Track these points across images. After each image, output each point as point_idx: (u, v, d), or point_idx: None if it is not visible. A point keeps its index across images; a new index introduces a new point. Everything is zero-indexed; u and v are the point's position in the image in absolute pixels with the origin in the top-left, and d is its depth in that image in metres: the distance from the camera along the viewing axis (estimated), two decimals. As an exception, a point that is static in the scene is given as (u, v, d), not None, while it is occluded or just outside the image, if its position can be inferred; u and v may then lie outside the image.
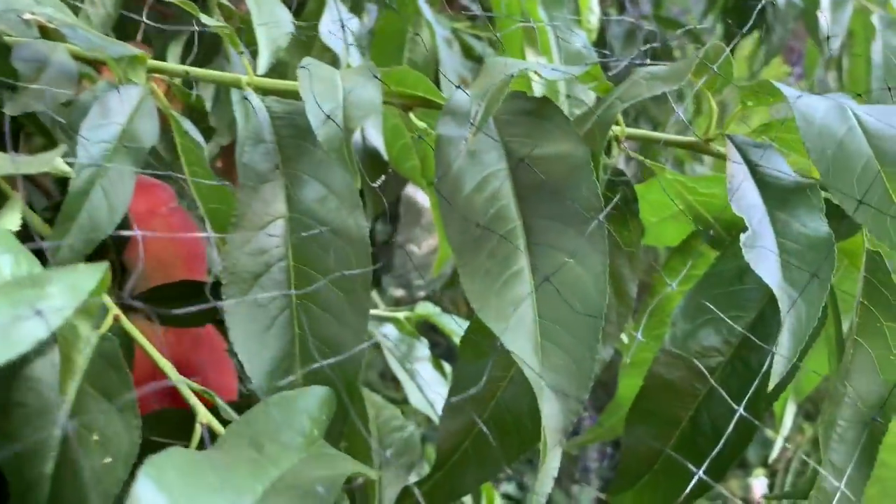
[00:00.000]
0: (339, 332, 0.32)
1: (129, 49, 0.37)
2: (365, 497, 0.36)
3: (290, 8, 0.57)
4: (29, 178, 0.44)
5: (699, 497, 0.32)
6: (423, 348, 0.57)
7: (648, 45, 0.63)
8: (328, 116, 0.29)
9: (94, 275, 0.20)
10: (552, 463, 0.24)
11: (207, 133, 0.50)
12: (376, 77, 0.32)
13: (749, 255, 0.25)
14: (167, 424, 0.34)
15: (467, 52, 0.88)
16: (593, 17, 0.59)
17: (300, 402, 0.27)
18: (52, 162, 0.28)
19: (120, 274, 0.43)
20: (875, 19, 0.93)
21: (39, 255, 0.32)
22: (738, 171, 0.28)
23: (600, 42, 1.03)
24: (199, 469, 0.20)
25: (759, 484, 1.38)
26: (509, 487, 1.35)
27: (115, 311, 0.32)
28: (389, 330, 0.56)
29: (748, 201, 0.27)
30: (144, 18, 0.44)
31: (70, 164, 0.33)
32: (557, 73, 0.29)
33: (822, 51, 1.00)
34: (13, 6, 0.33)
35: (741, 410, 0.26)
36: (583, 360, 0.24)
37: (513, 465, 0.34)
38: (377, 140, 0.51)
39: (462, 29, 0.79)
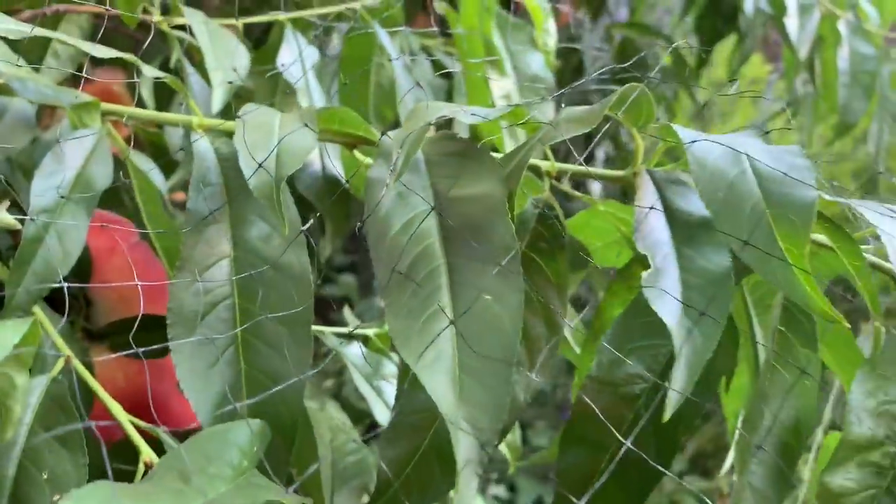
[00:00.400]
0: (282, 365, 0.34)
1: (80, 96, 0.38)
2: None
3: (254, 41, 0.59)
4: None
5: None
6: (389, 365, 0.59)
7: (599, 73, 0.64)
8: (260, 165, 0.31)
9: (18, 329, 0.21)
10: (467, 493, 0.25)
11: (171, 167, 0.51)
12: (310, 125, 0.33)
13: (648, 293, 0.27)
14: (122, 458, 0.35)
15: (439, 67, 0.90)
16: (550, 38, 0.61)
17: (231, 434, 0.28)
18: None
19: (85, 307, 0.45)
20: (841, 25, 0.94)
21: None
22: (647, 205, 0.30)
23: (572, 53, 1.05)
24: (120, 500, 0.21)
25: None
26: (499, 490, 1.37)
27: (66, 353, 0.33)
28: (356, 349, 0.57)
29: (655, 238, 0.29)
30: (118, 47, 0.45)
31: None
32: (477, 118, 0.31)
33: (795, 55, 1.02)
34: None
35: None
36: (498, 394, 0.26)
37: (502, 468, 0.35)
38: (337, 168, 0.52)
39: (434, 46, 0.80)
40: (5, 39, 0.35)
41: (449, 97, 0.72)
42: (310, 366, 0.34)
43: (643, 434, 0.32)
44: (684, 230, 0.29)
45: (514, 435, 0.59)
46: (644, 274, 0.27)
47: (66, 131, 0.38)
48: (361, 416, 0.64)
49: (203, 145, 0.37)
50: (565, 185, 0.37)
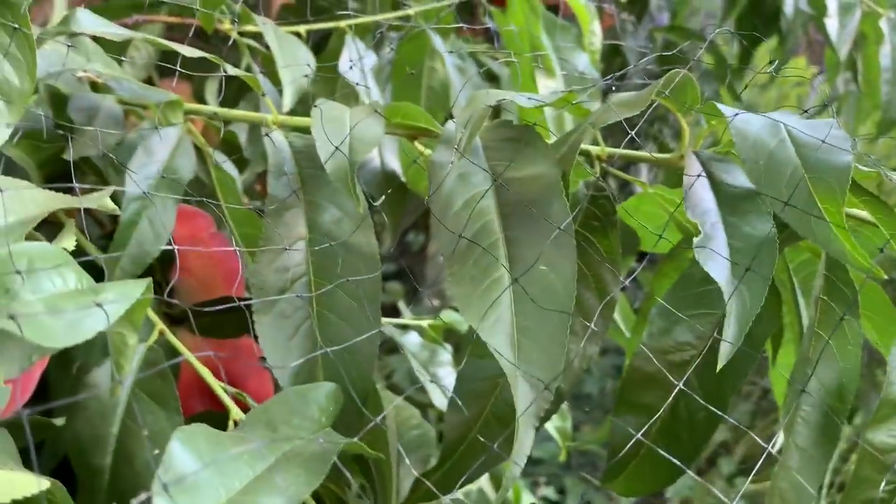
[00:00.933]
0: (353, 336, 0.37)
1: (167, 95, 0.42)
2: (383, 487, 0.40)
3: (313, 46, 0.62)
4: (86, 211, 0.50)
5: (679, 477, 0.35)
6: (444, 353, 0.61)
7: (638, 66, 0.66)
8: (336, 149, 0.34)
9: (140, 286, 0.25)
10: (525, 442, 0.28)
11: (242, 163, 0.55)
12: (379, 113, 0.36)
13: (700, 256, 0.29)
14: (208, 424, 0.39)
15: (486, 73, 0.93)
16: (595, 38, 0.63)
17: (311, 394, 0.31)
18: (102, 200, 0.32)
19: (167, 292, 0.49)
20: (883, 23, 0.95)
21: (97, 276, 0.37)
22: (696, 184, 0.32)
23: (615, 54, 1.07)
24: (222, 439, 0.25)
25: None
26: (548, 491, 1.38)
27: (160, 325, 0.37)
28: (413, 337, 0.60)
29: (703, 208, 0.31)
30: (183, 56, 0.49)
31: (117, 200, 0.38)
32: (534, 102, 0.33)
33: (837, 55, 1.02)
34: (69, 66, 0.38)
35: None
36: (553, 352, 0.28)
37: (551, 471, 0.37)
38: (395, 163, 0.55)
39: (481, 51, 0.83)
40: (101, 42, 0.39)
41: (497, 99, 0.75)
42: (378, 336, 0.37)
43: (692, 399, 0.35)
44: (729, 200, 0.32)
45: (565, 421, 0.61)
46: (695, 239, 0.29)
47: (149, 131, 0.41)
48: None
49: (279, 138, 0.40)
50: (616, 171, 0.39)
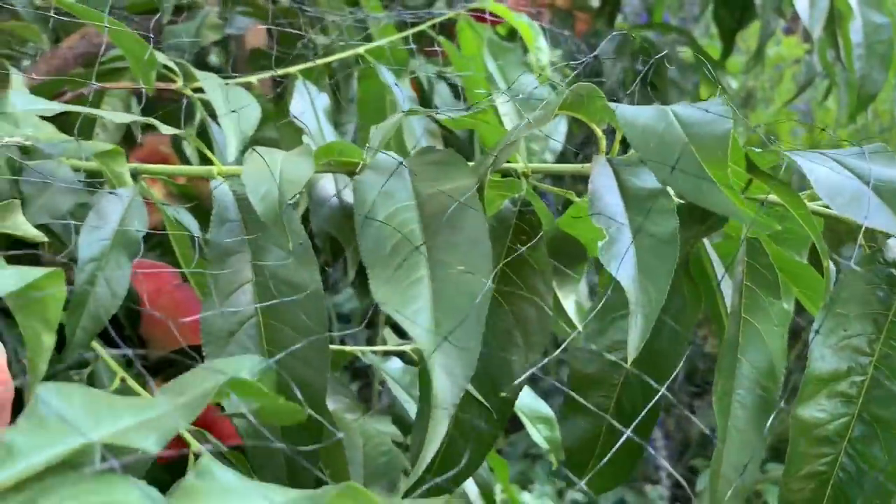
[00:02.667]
0: (305, 372, 0.38)
1: (103, 146, 0.44)
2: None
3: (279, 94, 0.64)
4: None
5: (635, 467, 0.36)
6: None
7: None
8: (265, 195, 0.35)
9: (40, 272, 0.24)
10: (438, 431, 0.29)
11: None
12: (309, 153, 0.38)
13: (604, 258, 0.30)
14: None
15: (458, 92, 0.94)
16: (542, 55, 0.65)
17: (230, 366, 0.31)
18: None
19: (138, 345, 0.51)
20: (852, -1, 0.95)
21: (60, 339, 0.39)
22: (601, 185, 0.33)
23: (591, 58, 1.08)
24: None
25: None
26: (577, 496, 1.38)
27: (121, 373, 0.39)
28: (394, 363, 0.61)
29: (609, 212, 0.32)
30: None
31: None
32: (451, 113, 0.35)
33: (810, 33, 1.03)
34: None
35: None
36: (469, 345, 0.30)
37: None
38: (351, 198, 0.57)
39: (450, 72, 0.85)
40: (49, 119, 0.41)
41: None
42: (328, 368, 0.39)
43: (632, 392, 0.36)
44: (635, 202, 0.33)
45: (554, 431, 0.62)
46: (600, 243, 0.30)
47: (104, 194, 0.43)
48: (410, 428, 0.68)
49: (222, 188, 0.42)
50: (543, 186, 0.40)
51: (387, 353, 0.63)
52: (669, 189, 0.33)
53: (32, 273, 0.22)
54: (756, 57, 1.18)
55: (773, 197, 0.34)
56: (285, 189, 0.36)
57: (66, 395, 0.23)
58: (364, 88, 0.70)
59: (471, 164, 0.37)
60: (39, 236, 0.36)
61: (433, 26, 0.68)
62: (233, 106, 0.50)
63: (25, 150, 0.42)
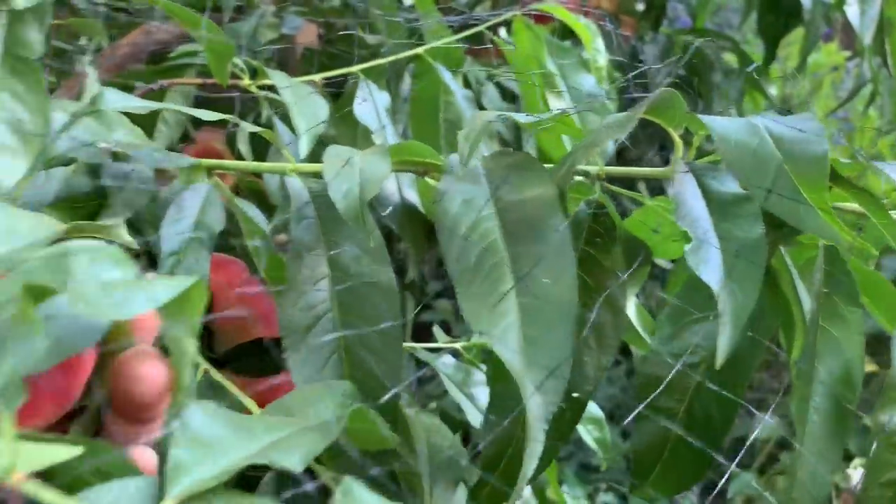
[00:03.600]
0: (378, 366, 0.39)
1: (187, 160, 0.45)
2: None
3: (334, 92, 0.65)
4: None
5: (703, 475, 0.36)
6: (479, 374, 0.63)
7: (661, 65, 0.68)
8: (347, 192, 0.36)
9: (190, 280, 0.25)
10: (535, 449, 0.29)
11: (272, 209, 0.58)
12: (385, 153, 0.39)
13: (692, 262, 0.31)
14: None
15: (506, 94, 0.95)
16: (600, 56, 0.65)
17: (328, 389, 0.33)
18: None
19: (207, 337, 0.52)
20: (901, 6, 0.94)
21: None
22: (685, 192, 0.33)
23: (634, 61, 1.08)
24: (241, 416, 0.25)
25: (857, 474, 1.36)
26: (607, 497, 1.38)
27: (204, 365, 0.40)
28: (447, 360, 0.62)
29: (693, 216, 0.32)
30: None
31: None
32: (529, 119, 0.36)
33: (861, 40, 1.02)
34: (91, 139, 0.41)
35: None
36: (560, 358, 0.30)
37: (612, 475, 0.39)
38: (414, 198, 0.58)
39: (500, 73, 0.86)
40: (128, 114, 0.42)
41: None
42: (402, 363, 0.39)
43: (705, 396, 0.36)
44: (720, 207, 0.33)
45: (603, 431, 0.62)
46: (687, 247, 0.31)
47: (179, 188, 0.45)
48: (458, 426, 0.69)
49: (297, 185, 0.43)
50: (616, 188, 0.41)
51: (438, 350, 0.64)
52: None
53: (182, 282, 0.23)
54: (801, 64, 1.17)
55: (854, 206, 0.35)
56: (366, 188, 0.37)
57: (211, 415, 0.24)
58: (419, 88, 0.71)
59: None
60: (133, 244, 0.38)
61: (491, 28, 0.68)
62: (302, 103, 0.50)
63: (115, 156, 0.43)
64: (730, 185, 0.34)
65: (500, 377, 0.41)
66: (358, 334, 0.39)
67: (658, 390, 0.35)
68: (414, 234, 0.59)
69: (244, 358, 0.49)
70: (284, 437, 0.26)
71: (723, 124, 0.32)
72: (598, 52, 0.65)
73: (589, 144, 0.36)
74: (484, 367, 0.67)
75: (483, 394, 0.62)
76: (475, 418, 0.59)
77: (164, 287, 0.23)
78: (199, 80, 0.57)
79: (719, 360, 0.29)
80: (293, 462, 0.25)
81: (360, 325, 0.40)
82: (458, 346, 0.66)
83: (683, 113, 0.37)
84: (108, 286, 0.23)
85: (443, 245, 0.34)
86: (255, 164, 0.47)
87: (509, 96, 0.95)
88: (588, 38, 0.65)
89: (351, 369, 0.39)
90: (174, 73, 0.65)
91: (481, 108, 0.81)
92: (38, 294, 0.21)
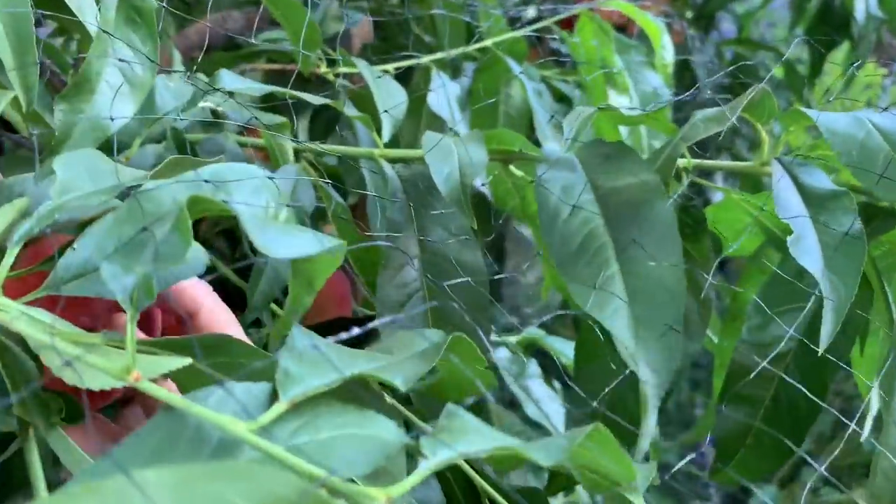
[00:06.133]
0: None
1: (276, 118, 0.47)
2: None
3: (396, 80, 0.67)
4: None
5: (784, 464, 0.37)
6: (533, 367, 0.64)
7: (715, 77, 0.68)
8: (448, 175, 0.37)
9: (334, 241, 0.26)
10: (651, 420, 0.30)
11: (341, 193, 0.59)
12: (481, 142, 0.40)
13: (795, 252, 0.32)
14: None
15: (556, 95, 0.96)
16: (667, 54, 0.66)
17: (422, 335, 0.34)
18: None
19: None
20: (954, 22, 0.94)
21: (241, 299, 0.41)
22: (782, 187, 0.34)
23: (684, 69, 1.09)
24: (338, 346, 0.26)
25: None
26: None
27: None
28: (502, 353, 0.63)
29: (793, 210, 0.33)
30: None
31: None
32: (634, 111, 0.37)
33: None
34: (196, 104, 0.43)
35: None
36: (669, 339, 0.31)
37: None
38: (482, 187, 0.59)
39: (550, 75, 0.87)
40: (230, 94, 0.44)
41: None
42: (488, 345, 0.41)
43: (792, 386, 0.37)
44: (816, 201, 0.34)
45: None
46: (790, 238, 0.32)
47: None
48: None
49: (388, 170, 0.44)
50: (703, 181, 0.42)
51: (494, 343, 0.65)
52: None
53: (329, 240, 0.24)
54: (849, 79, 1.17)
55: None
56: (468, 172, 0.38)
57: (314, 338, 0.25)
58: (481, 80, 0.72)
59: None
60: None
61: (557, 22, 0.69)
62: (383, 91, 0.52)
63: (214, 114, 0.44)
64: (823, 181, 0.35)
65: (587, 358, 0.41)
66: (446, 315, 0.41)
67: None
68: (481, 221, 0.60)
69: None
70: (388, 363, 0.26)
71: (830, 118, 0.33)
72: (664, 49, 0.66)
73: (686, 137, 0.37)
74: (534, 360, 0.68)
75: (536, 386, 0.63)
76: (531, 409, 0.60)
77: (310, 239, 0.24)
78: (279, 66, 0.58)
79: (823, 345, 0.30)
80: (398, 380, 0.25)
81: (449, 304, 0.41)
82: (510, 340, 0.67)
83: (774, 109, 0.38)
84: (274, 223, 0.24)
85: (544, 230, 0.35)
86: (343, 147, 0.48)
87: (557, 95, 0.96)
88: (656, 35, 0.66)
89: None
90: (250, 60, 0.67)
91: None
92: (200, 208, 0.22)
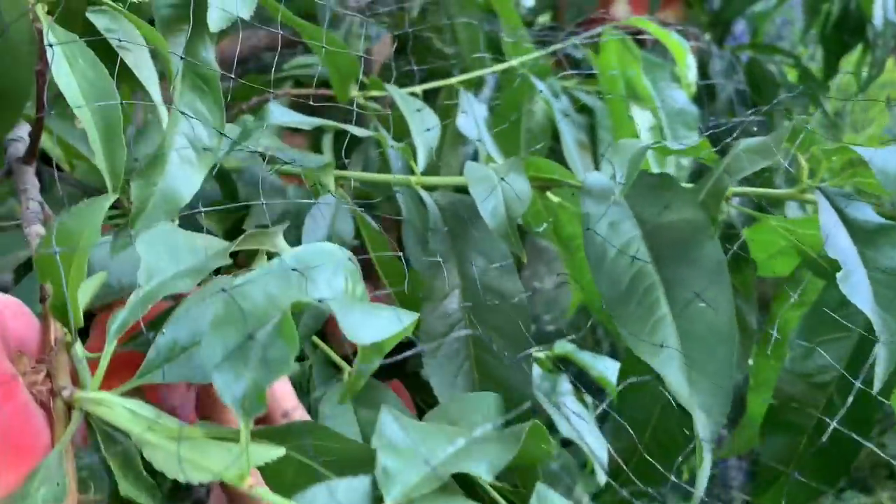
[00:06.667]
0: (506, 373, 0.40)
1: (322, 159, 0.47)
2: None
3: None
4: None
5: (822, 495, 0.38)
6: (565, 383, 0.65)
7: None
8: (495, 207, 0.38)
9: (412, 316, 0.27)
10: (706, 466, 0.31)
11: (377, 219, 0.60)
12: (522, 173, 0.40)
13: (845, 289, 0.32)
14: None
15: (577, 105, 0.96)
16: (690, 73, 0.66)
17: (478, 399, 0.35)
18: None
19: (325, 341, 0.54)
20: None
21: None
22: (828, 220, 0.35)
23: (702, 75, 1.09)
24: (417, 423, 0.27)
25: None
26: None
27: (347, 369, 0.42)
28: (536, 371, 0.63)
29: (840, 245, 0.34)
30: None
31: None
32: (680, 147, 0.37)
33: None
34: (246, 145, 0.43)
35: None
36: (722, 382, 0.32)
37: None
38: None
39: (570, 86, 0.87)
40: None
41: (592, 131, 0.79)
42: (531, 374, 0.41)
43: (834, 416, 0.37)
44: (863, 236, 0.34)
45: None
46: (839, 274, 0.32)
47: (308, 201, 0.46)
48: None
49: (427, 198, 0.45)
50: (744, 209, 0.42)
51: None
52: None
53: (407, 316, 0.25)
54: (866, 83, 1.17)
55: None
56: (513, 206, 0.38)
57: (399, 423, 0.26)
58: (505, 97, 0.72)
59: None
60: (288, 250, 0.39)
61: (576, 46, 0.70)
62: (415, 116, 0.52)
63: (262, 157, 0.45)
64: (869, 214, 0.36)
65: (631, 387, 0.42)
66: (487, 345, 0.41)
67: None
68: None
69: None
70: (466, 447, 0.27)
71: (880, 156, 0.34)
72: (689, 68, 0.66)
73: (730, 170, 0.37)
74: (565, 375, 0.68)
75: (570, 403, 0.64)
76: (564, 426, 0.61)
77: (399, 315, 0.25)
78: (311, 91, 0.59)
79: (877, 385, 0.31)
80: (482, 470, 0.26)
81: (490, 335, 0.41)
82: (540, 354, 0.68)
83: (813, 139, 0.38)
84: (355, 303, 0.25)
85: (592, 268, 0.36)
86: (380, 175, 0.49)
87: (577, 105, 0.96)
88: (681, 54, 0.67)
89: (481, 377, 0.41)
90: (277, 85, 0.67)
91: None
92: (298, 309, 0.23)
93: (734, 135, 0.40)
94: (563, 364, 0.74)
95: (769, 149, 0.36)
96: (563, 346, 0.72)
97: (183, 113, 0.33)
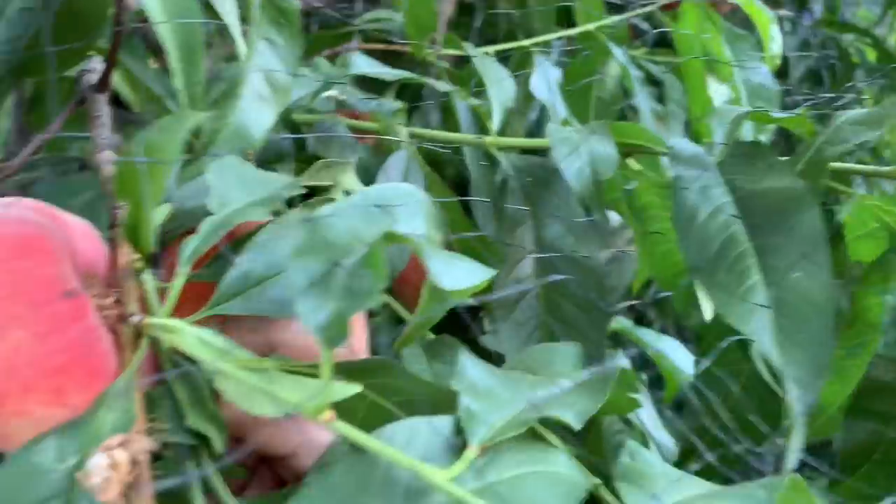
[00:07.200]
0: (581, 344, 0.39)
1: (393, 104, 0.46)
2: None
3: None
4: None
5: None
6: (621, 359, 0.63)
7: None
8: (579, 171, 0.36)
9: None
10: (797, 442, 0.29)
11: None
12: (609, 137, 0.39)
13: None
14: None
15: (648, 78, 0.93)
16: (775, 45, 0.63)
17: (558, 349, 0.33)
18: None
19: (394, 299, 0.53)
20: None
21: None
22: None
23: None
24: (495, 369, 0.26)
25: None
26: None
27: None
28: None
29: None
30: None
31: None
32: (783, 117, 0.35)
33: None
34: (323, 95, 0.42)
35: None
36: (817, 354, 0.30)
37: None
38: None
39: (638, 55, 0.84)
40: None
41: (660, 101, 0.76)
42: (605, 342, 0.40)
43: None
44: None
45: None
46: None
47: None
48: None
49: (504, 161, 0.43)
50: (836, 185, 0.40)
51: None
52: None
53: (486, 270, 0.24)
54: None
55: None
56: (599, 168, 0.37)
57: (480, 367, 0.25)
58: (577, 64, 0.70)
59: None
60: (361, 187, 0.38)
61: (659, 8, 0.67)
62: (494, 78, 0.51)
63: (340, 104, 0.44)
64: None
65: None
66: (560, 311, 0.40)
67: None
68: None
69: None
70: (551, 393, 0.26)
71: None
72: (773, 40, 0.63)
73: (836, 142, 0.35)
74: (620, 351, 0.67)
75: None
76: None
77: (480, 267, 0.24)
78: (380, 46, 0.58)
79: None
80: (569, 417, 0.25)
81: (562, 302, 0.40)
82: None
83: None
84: (438, 251, 0.24)
85: (680, 231, 0.34)
86: (455, 135, 0.48)
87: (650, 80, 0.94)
88: (765, 24, 0.64)
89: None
90: (342, 39, 0.66)
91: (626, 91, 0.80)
92: (390, 242, 0.22)
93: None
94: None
95: (877, 120, 0.34)
96: (619, 322, 0.71)
97: (265, 40, 0.32)
